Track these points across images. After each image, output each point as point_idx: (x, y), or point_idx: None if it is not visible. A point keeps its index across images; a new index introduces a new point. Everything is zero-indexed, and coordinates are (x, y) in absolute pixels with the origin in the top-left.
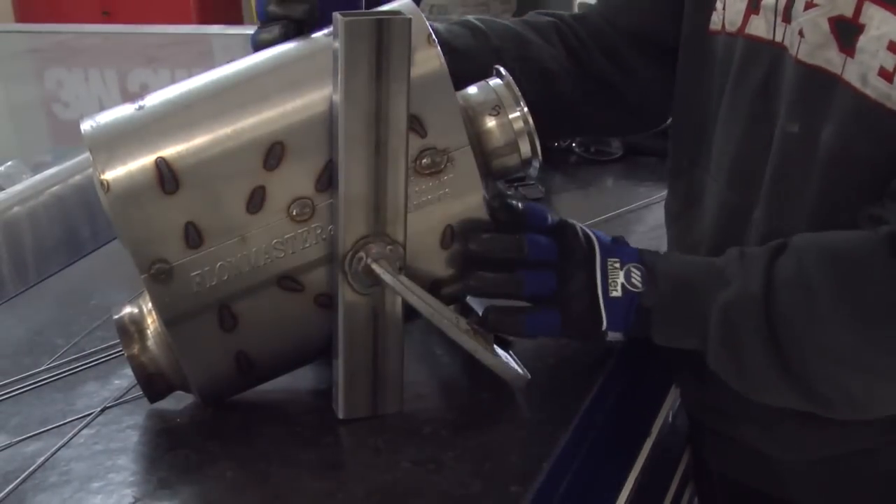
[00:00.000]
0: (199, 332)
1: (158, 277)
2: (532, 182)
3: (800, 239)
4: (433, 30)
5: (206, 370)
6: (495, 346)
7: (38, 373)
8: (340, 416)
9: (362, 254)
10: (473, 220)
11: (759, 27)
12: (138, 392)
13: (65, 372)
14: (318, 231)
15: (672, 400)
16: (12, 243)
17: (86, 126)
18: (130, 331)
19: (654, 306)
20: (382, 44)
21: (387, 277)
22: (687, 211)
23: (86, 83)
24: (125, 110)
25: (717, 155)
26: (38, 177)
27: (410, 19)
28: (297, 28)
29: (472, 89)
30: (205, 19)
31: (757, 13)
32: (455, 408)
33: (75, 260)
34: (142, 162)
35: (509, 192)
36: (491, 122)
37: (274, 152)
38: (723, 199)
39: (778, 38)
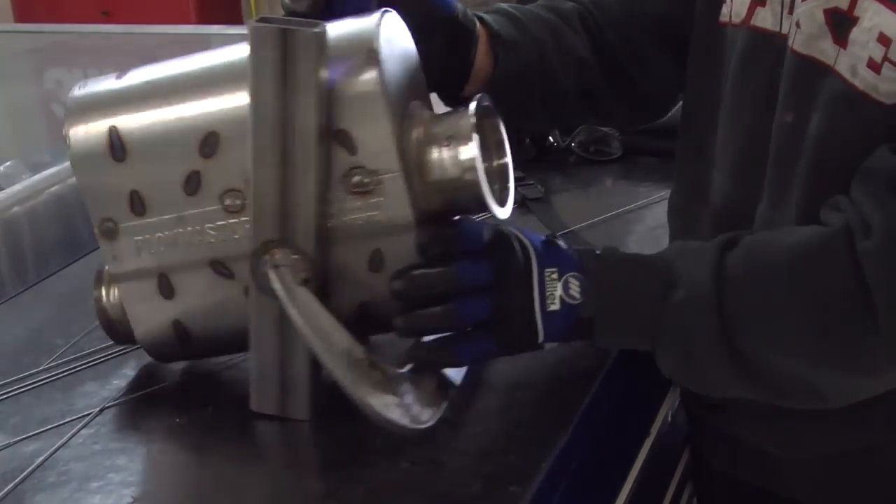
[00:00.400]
0: (141, 292)
1: (106, 234)
2: (531, 182)
3: (749, 234)
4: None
5: (147, 329)
6: (406, 384)
7: (38, 373)
8: (251, 406)
9: (267, 257)
10: (405, 251)
11: (765, 19)
12: (138, 392)
13: (64, 372)
14: (248, 226)
15: (672, 400)
16: (11, 243)
17: (75, 89)
18: (103, 278)
19: (596, 314)
20: (288, 54)
21: (276, 285)
22: (691, 206)
23: None
24: (108, 79)
25: (721, 149)
26: (38, 177)
27: (319, 33)
28: None
29: (447, 114)
30: (204, 19)
31: (763, 5)
32: (454, 408)
33: (74, 260)
34: (98, 127)
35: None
36: (436, 154)
37: (209, 141)
38: (727, 193)
39: (784, 30)
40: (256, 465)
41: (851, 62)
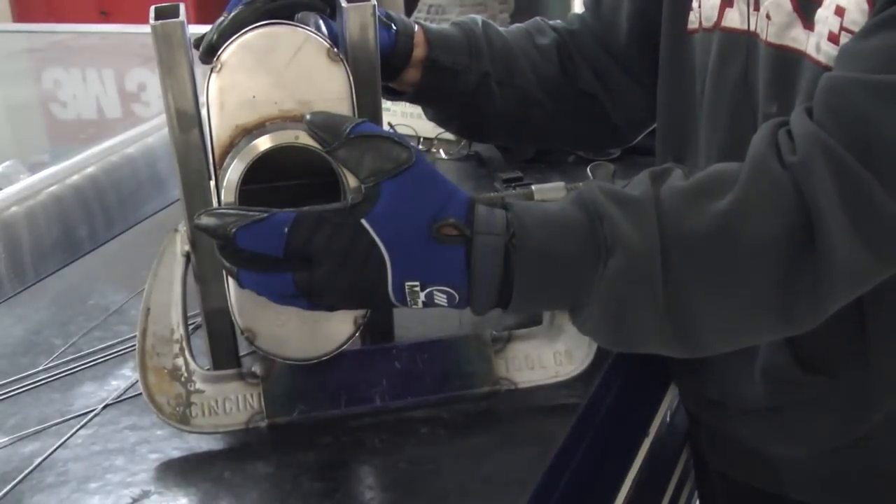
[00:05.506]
0: None
1: None
2: (530, 182)
3: (679, 175)
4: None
5: None
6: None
7: (36, 373)
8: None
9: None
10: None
11: (733, 19)
12: (136, 392)
13: (62, 372)
14: None
15: (670, 399)
16: (10, 243)
17: None
18: None
19: (516, 290)
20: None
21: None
22: None
23: (83, 83)
24: None
25: (705, 148)
26: (36, 177)
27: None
28: None
29: None
30: (204, 19)
31: (731, 5)
32: (453, 408)
33: (73, 260)
34: None
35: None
36: None
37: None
38: None
39: (752, 28)
40: (256, 465)
41: (816, 41)
